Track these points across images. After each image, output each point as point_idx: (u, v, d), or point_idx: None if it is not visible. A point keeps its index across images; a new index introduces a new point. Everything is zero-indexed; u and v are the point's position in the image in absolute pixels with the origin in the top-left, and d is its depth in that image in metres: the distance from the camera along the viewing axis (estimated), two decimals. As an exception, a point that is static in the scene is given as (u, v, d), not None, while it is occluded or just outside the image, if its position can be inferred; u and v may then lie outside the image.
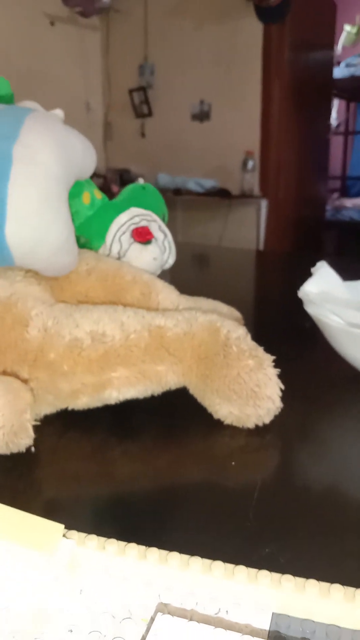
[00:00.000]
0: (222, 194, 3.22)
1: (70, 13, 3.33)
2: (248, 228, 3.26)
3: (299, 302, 0.50)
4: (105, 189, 2.89)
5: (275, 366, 0.41)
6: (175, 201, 3.22)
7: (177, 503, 0.33)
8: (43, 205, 0.39)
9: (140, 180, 0.60)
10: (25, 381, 0.39)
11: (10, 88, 0.52)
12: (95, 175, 0.53)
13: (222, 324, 0.42)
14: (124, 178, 3.38)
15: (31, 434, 0.37)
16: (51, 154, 0.40)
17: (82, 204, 0.53)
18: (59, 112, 0.48)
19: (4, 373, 0.40)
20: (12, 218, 0.38)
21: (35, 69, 3.11)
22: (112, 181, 3.27)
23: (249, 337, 0.42)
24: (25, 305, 0.41)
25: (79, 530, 0.28)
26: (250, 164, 3.20)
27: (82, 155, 0.45)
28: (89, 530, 0.28)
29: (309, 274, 0.52)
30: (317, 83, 3.71)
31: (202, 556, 0.26)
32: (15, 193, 0.38)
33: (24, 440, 0.36)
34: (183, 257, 0.61)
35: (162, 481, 0.36)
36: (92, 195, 0.54)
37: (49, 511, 0.31)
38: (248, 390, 0.39)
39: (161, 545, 0.27)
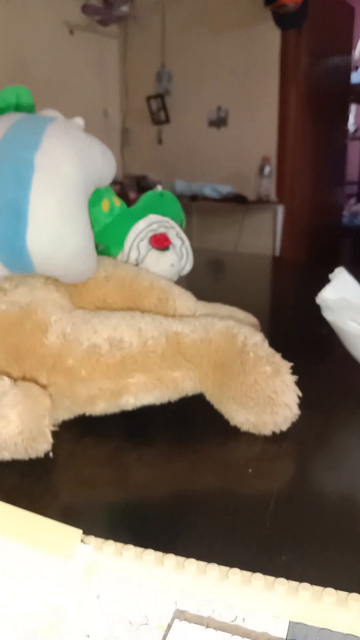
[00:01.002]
0: (238, 199, 3.22)
1: (89, 22, 3.37)
2: (264, 234, 3.25)
3: (316, 309, 0.50)
4: (123, 195, 2.91)
5: (293, 373, 0.41)
6: (192, 207, 3.23)
7: (193, 510, 0.33)
8: (63, 213, 0.40)
9: (159, 187, 0.60)
10: (44, 387, 0.40)
11: (31, 97, 0.53)
12: (112, 182, 0.53)
13: (239, 331, 0.42)
14: (141, 184, 3.39)
15: (49, 439, 0.37)
16: (72, 163, 0.41)
17: (101, 212, 0.53)
18: (79, 121, 0.49)
19: (24, 378, 0.40)
20: (33, 225, 0.39)
21: (54, 77, 3.15)
22: (129, 187, 3.29)
23: (266, 343, 0.42)
24: (45, 311, 0.42)
25: (95, 535, 0.28)
26: (266, 169, 3.20)
27: (102, 164, 0.46)
28: (104, 536, 0.28)
29: (325, 281, 0.52)
30: (334, 88, 3.70)
31: (219, 563, 0.26)
32: (37, 201, 0.39)
33: (43, 445, 0.37)
34: (199, 263, 0.61)
35: (178, 488, 0.36)
36: (111, 203, 0.54)
37: (65, 516, 0.31)
38: (265, 397, 0.39)
39: (177, 552, 0.27)
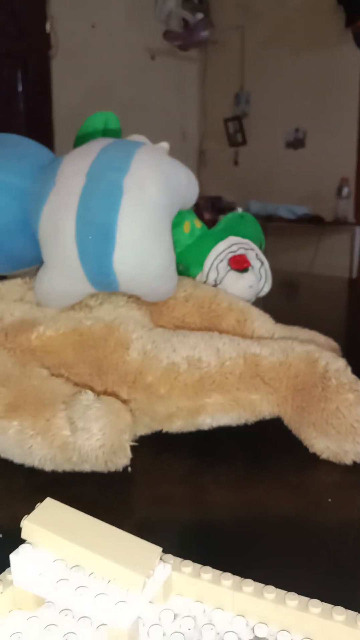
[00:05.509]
0: (314, 220, 3.17)
1: (170, 47, 3.47)
2: (341, 256, 3.18)
3: None
4: (197, 215, 2.94)
5: (375, 402, 0.39)
6: (266, 228, 3.22)
7: (268, 536, 0.33)
8: (149, 235, 0.41)
9: (239, 209, 0.61)
10: (124, 402, 0.41)
11: (119, 123, 0.55)
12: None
13: (321, 355, 0.41)
14: (216, 205, 3.42)
15: (129, 454, 0.38)
16: (159, 186, 0.42)
17: (182, 233, 0.54)
18: (165, 145, 0.50)
19: (105, 393, 0.41)
20: (120, 246, 0.40)
21: (136, 100, 3.26)
22: (204, 208, 3.32)
23: (349, 370, 0.41)
24: (127, 328, 0.43)
25: (169, 553, 0.28)
26: (345, 190, 3.14)
27: (186, 187, 0.47)
28: (178, 554, 0.28)
29: None
30: None
31: (297, 593, 0.26)
32: (124, 223, 0.40)
33: (122, 459, 0.37)
34: (275, 284, 0.61)
35: (254, 512, 0.35)
36: (192, 224, 0.55)
37: (141, 531, 0.32)
38: (347, 425, 0.38)
39: (254, 577, 0.27)
